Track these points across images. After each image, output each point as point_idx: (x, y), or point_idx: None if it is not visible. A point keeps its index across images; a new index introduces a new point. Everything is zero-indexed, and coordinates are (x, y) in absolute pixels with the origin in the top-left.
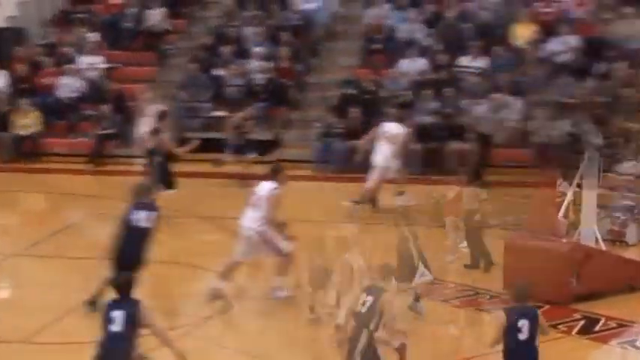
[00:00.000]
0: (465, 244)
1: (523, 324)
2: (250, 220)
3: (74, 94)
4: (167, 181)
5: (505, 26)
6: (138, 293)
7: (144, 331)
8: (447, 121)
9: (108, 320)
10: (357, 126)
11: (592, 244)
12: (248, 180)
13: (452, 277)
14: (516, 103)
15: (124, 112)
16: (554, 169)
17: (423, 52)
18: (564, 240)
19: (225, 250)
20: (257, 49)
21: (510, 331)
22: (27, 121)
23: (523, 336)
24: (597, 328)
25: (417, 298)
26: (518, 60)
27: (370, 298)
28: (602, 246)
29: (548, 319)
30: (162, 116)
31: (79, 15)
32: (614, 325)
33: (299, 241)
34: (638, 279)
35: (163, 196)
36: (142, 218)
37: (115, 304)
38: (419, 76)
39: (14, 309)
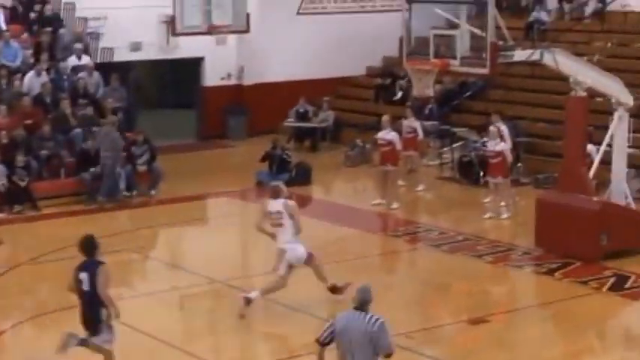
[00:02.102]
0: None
1: None
2: None
3: None
4: None
5: None
6: None
7: None
8: None
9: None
10: None
11: (622, 203)
12: None
13: (485, 234)
14: None
15: None
16: None
17: None
18: (595, 198)
19: None
20: None
21: None
22: None
23: None
24: (628, 285)
25: None
26: None
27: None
28: (632, 204)
29: (579, 276)
30: None
31: None
32: None
33: None
34: None
35: None
36: None
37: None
38: None
39: None
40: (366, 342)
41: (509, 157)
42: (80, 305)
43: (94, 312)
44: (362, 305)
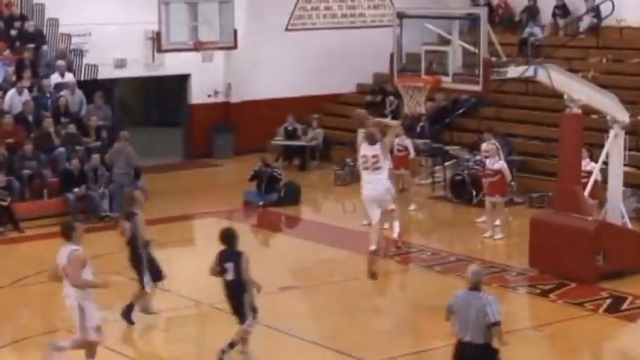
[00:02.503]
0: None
1: None
2: None
3: None
4: None
5: None
6: None
7: None
8: None
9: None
10: None
11: (618, 222)
12: None
13: (479, 254)
14: None
15: None
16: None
17: None
18: (590, 218)
19: None
20: None
21: None
22: None
23: None
24: (624, 306)
25: None
26: None
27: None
28: (629, 224)
29: (575, 298)
30: None
31: None
32: None
33: None
34: None
35: None
36: None
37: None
38: None
39: None
40: (481, 317)
41: (509, 176)
42: (226, 294)
43: (240, 298)
44: (476, 285)
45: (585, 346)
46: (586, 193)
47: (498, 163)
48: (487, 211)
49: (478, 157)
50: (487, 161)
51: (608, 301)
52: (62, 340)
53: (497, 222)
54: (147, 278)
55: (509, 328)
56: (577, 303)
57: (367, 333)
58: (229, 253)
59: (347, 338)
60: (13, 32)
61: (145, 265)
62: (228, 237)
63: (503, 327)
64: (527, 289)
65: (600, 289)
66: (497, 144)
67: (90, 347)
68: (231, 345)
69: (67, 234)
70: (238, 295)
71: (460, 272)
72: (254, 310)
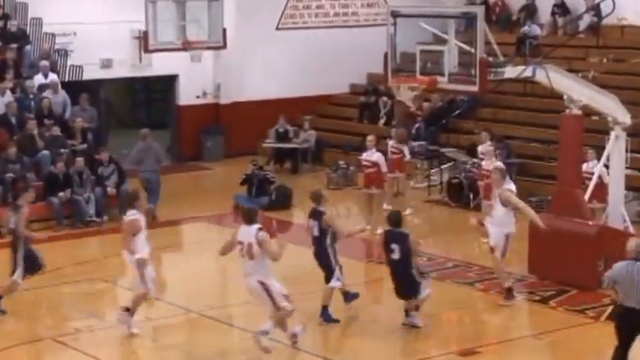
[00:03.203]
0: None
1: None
2: None
3: None
4: None
5: None
6: None
7: None
8: None
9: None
10: None
11: (620, 227)
12: None
13: (476, 260)
14: None
15: None
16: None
17: None
18: (591, 222)
19: None
20: None
21: None
22: None
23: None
24: None
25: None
26: None
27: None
28: (631, 228)
29: (575, 304)
30: None
31: None
32: None
33: None
34: None
35: None
36: None
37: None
38: None
39: None
40: None
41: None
42: (392, 275)
43: (408, 275)
44: (638, 257)
45: (587, 355)
46: (589, 195)
47: (494, 165)
48: (486, 215)
49: (475, 160)
50: (483, 163)
51: (611, 307)
52: (264, 325)
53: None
54: (19, 271)
55: (507, 336)
56: (578, 310)
57: (361, 341)
58: (395, 234)
59: (340, 346)
60: None
61: (20, 257)
62: (393, 218)
63: (500, 335)
64: (526, 295)
65: (602, 295)
66: (493, 145)
67: (285, 319)
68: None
69: (251, 218)
70: (404, 272)
71: (458, 279)
72: (424, 276)
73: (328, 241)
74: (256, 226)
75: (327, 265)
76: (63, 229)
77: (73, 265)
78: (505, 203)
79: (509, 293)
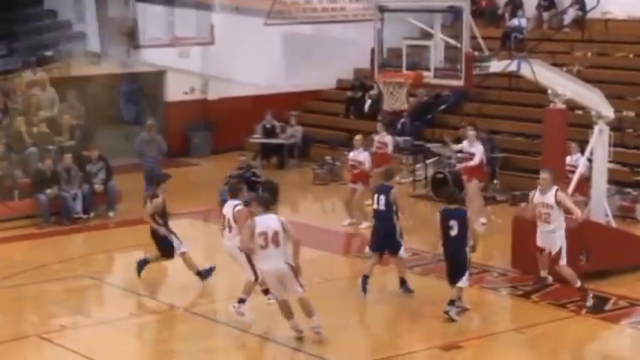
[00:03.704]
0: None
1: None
2: None
3: None
4: None
5: None
6: None
7: None
8: None
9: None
10: None
11: (602, 221)
12: None
13: None
14: None
15: None
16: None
17: None
18: (574, 216)
19: None
20: None
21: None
22: None
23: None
24: (608, 307)
25: None
26: None
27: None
28: (613, 222)
29: (557, 298)
30: None
31: None
32: (625, 304)
33: None
34: None
35: None
36: None
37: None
38: None
39: None
40: None
41: (483, 160)
42: (446, 249)
43: (462, 256)
44: None
45: (568, 349)
46: (572, 188)
47: (476, 147)
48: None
49: (456, 146)
50: (464, 144)
51: (592, 301)
52: (312, 322)
53: (483, 220)
54: None
55: (489, 330)
56: (560, 304)
57: (346, 336)
58: (453, 211)
59: (325, 341)
60: None
61: None
62: (450, 196)
63: (482, 330)
64: (508, 290)
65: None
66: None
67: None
68: (452, 302)
69: (266, 205)
70: (460, 250)
71: (442, 273)
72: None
73: (395, 216)
74: (273, 215)
75: (392, 235)
76: (50, 226)
77: (60, 262)
78: (559, 204)
79: (583, 293)
